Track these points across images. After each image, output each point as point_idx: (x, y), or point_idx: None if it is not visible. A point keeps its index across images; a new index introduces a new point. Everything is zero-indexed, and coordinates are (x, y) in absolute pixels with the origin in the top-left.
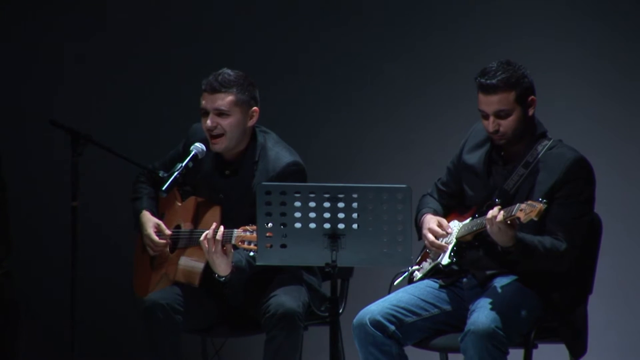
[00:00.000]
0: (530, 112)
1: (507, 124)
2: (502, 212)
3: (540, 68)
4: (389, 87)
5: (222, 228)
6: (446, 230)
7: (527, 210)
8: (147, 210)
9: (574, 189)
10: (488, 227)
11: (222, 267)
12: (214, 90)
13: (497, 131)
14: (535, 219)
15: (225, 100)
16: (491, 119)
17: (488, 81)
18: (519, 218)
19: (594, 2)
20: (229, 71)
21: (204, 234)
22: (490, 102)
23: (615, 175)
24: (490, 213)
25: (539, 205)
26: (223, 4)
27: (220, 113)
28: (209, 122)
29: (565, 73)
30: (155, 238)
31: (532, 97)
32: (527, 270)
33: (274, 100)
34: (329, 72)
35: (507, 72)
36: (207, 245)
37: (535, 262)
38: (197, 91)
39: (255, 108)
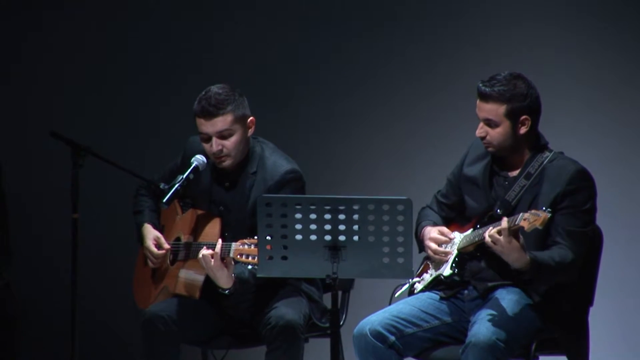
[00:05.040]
0: (522, 130)
1: (493, 134)
2: (505, 220)
3: (540, 79)
4: (389, 98)
5: (220, 241)
6: (448, 237)
7: (531, 219)
8: (148, 223)
9: (578, 200)
10: (497, 248)
11: (224, 280)
12: (211, 115)
13: (483, 138)
14: (540, 227)
15: (225, 122)
16: (480, 124)
17: (484, 88)
18: (522, 227)
19: (595, 5)
20: (217, 90)
21: (200, 253)
22: (482, 109)
23: (615, 187)
24: (492, 233)
25: (544, 214)
26: (223, 12)
27: (223, 135)
28: (214, 147)
29: (566, 83)
30: (154, 249)
31: (526, 116)
32: (541, 285)
33: (274, 111)
34: (330, 83)
35: (508, 86)
36: (205, 262)
37: (548, 278)
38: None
39: (251, 118)
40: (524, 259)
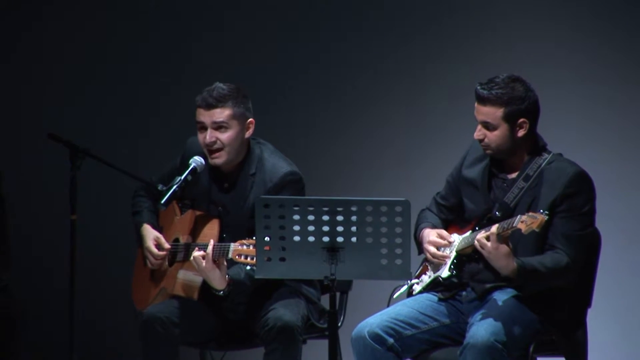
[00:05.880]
0: (520, 133)
1: (491, 137)
2: (495, 226)
3: (539, 80)
4: (388, 100)
5: (212, 242)
6: (447, 240)
7: (528, 221)
8: (147, 223)
9: (576, 203)
10: (484, 253)
11: (217, 281)
12: (210, 106)
13: (481, 140)
14: (537, 230)
15: (223, 114)
16: (478, 126)
17: (482, 91)
18: (520, 229)
19: (595, 6)
20: (222, 85)
21: (192, 256)
22: (479, 111)
23: (613, 189)
24: (480, 237)
25: (541, 217)
26: (225, 16)
27: (219, 127)
28: (207, 137)
29: (563, 83)
30: (155, 250)
31: (524, 119)
32: (532, 291)
33: (273, 113)
34: (329, 86)
35: (505, 89)
36: (197, 264)
37: (539, 284)
38: (195, 103)
39: (251, 119)
40: (511, 266)
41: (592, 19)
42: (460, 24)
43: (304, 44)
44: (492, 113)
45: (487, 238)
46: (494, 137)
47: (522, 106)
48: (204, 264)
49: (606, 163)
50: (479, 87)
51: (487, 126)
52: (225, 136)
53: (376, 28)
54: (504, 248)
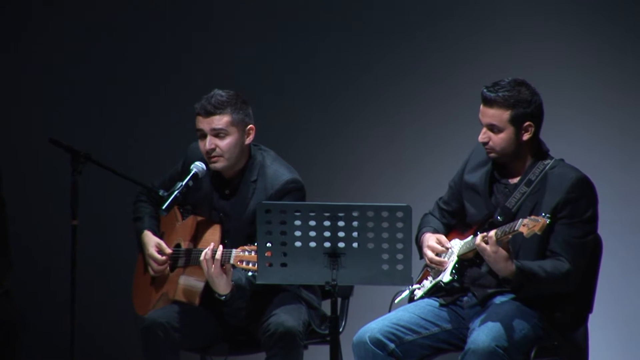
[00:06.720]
0: (525, 137)
1: (496, 140)
2: (494, 230)
3: (540, 79)
4: (389, 105)
5: (221, 247)
6: (445, 246)
7: (530, 225)
8: (148, 230)
9: (578, 209)
10: (484, 256)
11: (222, 287)
12: (209, 113)
13: (486, 143)
14: (539, 233)
15: (221, 121)
16: (483, 129)
17: (488, 93)
18: (521, 233)
19: (596, 8)
20: (220, 92)
21: (202, 254)
22: (485, 114)
23: (616, 194)
24: (478, 242)
25: (542, 220)
26: (223, 22)
27: (218, 134)
28: (207, 144)
29: (566, 84)
30: (158, 256)
31: (529, 122)
32: (530, 294)
33: (273, 118)
34: (329, 91)
35: (512, 91)
36: (206, 265)
37: (538, 288)
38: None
39: (251, 125)
40: (509, 269)
41: (592, 15)
42: (460, 23)
43: (302, 46)
44: (498, 115)
45: (486, 242)
46: (499, 140)
47: (528, 109)
48: (212, 268)
49: (608, 167)
50: (485, 90)
51: (493, 129)
52: (224, 143)
53: (375, 28)
54: (503, 252)
